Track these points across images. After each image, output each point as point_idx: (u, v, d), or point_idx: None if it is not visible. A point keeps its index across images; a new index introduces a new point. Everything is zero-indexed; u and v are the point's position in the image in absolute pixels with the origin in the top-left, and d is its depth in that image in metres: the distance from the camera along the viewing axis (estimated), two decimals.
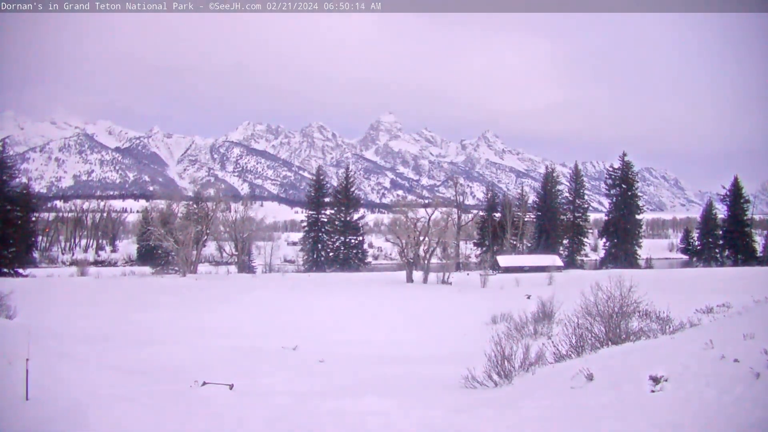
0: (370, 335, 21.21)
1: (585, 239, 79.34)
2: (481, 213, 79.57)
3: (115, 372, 10.46)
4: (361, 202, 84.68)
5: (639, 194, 77.99)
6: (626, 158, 74.88)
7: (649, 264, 76.82)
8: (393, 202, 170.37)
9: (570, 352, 11.02)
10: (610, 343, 11.07)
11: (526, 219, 75.69)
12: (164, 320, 23.80)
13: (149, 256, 70.95)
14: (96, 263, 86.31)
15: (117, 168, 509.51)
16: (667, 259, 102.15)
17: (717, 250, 77.06)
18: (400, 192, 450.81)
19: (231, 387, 9.19)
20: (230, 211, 68.23)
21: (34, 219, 67.80)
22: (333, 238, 72.54)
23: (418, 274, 50.58)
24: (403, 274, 52.96)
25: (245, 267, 67.50)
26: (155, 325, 21.94)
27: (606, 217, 78.18)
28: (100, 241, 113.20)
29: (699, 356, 7.10)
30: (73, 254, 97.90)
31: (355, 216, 74.40)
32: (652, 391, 6.68)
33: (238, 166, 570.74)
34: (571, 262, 71.75)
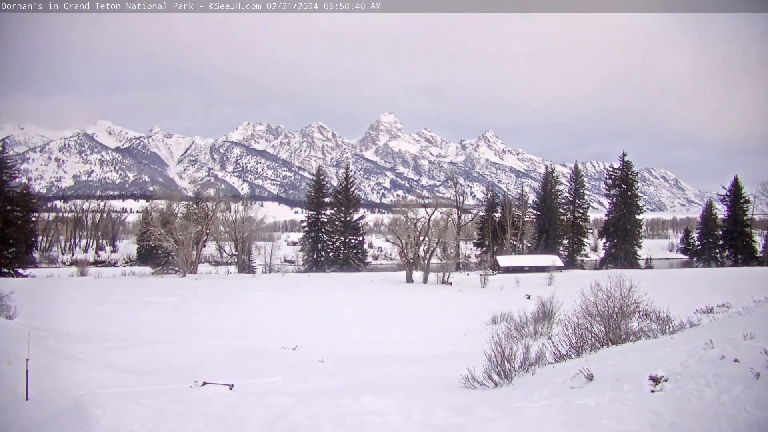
0: (370, 335, 21.21)
1: (585, 239, 79.32)
2: (481, 213, 79.60)
3: (115, 372, 10.46)
4: (361, 202, 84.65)
5: (639, 194, 77.87)
6: (626, 158, 74.90)
7: (649, 264, 76.82)
8: (393, 202, 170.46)
9: (570, 352, 11.01)
10: (610, 343, 11.06)
11: (526, 219, 75.68)
12: (164, 320, 23.80)
13: (149, 256, 70.95)
14: (96, 263, 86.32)
15: (117, 168, 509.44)
16: (667, 259, 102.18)
17: (717, 250, 77.03)
18: (400, 192, 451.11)
19: (231, 387, 9.19)
20: (230, 211, 68.30)
21: (34, 219, 67.78)
22: (333, 238, 72.52)
23: (418, 274, 50.58)
24: (403, 274, 52.98)
25: (245, 267, 67.51)
26: (155, 325, 21.93)
27: (606, 217, 78.11)
28: (100, 241, 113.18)
29: (699, 356, 7.10)
30: (73, 254, 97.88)
31: (355, 216, 74.37)
32: (652, 391, 6.67)
33: (238, 166, 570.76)
34: (571, 262, 71.76)
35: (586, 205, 79.88)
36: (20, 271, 55.07)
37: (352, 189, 76.28)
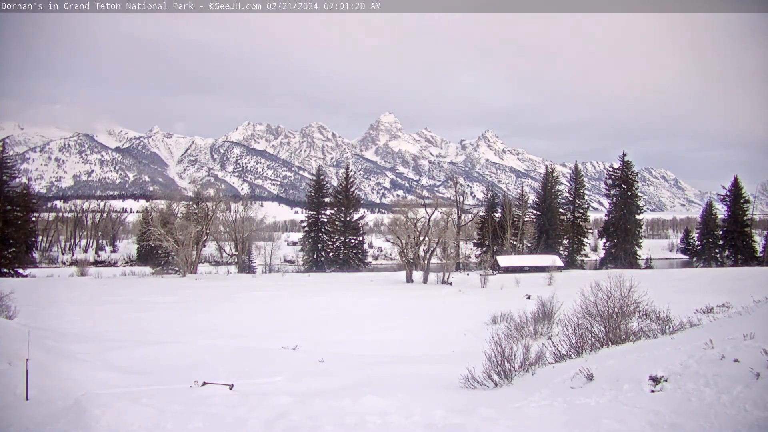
0: (370, 335, 21.20)
1: (585, 239, 79.30)
2: (481, 213, 79.59)
3: (115, 372, 10.46)
4: (361, 202, 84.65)
5: (639, 194, 77.84)
6: (626, 158, 74.88)
7: (649, 264, 76.81)
8: (393, 202, 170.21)
9: (570, 352, 11.01)
10: (610, 343, 11.07)
11: (526, 219, 75.67)
12: (164, 320, 23.82)
13: (149, 256, 70.95)
14: (96, 263, 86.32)
15: (117, 168, 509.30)
16: (667, 259, 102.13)
17: (717, 250, 76.98)
18: (400, 192, 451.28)
19: (231, 387, 9.19)
20: (230, 211, 68.33)
21: (34, 219, 67.79)
22: (333, 238, 72.53)
23: (418, 274, 50.58)
24: (403, 274, 52.98)
25: (245, 267, 67.51)
26: (155, 325, 21.96)
27: (606, 217, 78.09)
28: (100, 241, 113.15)
29: (699, 356, 7.09)
30: (73, 254, 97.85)
31: (355, 216, 74.37)
32: (652, 391, 6.67)
33: (238, 166, 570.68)
34: (571, 262, 71.74)
35: (586, 205, 79.87)
36: (20, 271, 55.10)
37: (352, 189, 76.27)
